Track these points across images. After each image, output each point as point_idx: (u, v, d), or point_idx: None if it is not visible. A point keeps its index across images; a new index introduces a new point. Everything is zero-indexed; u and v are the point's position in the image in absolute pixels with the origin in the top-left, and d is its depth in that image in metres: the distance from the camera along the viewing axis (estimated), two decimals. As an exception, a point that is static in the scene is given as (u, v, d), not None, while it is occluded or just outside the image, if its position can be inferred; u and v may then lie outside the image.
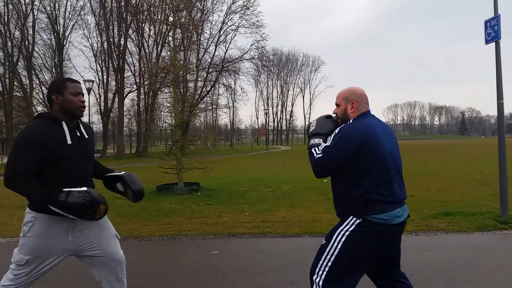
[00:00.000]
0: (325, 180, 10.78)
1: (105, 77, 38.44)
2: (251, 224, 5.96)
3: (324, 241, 2.16)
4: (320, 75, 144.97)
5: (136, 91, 39.67)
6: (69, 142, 2.20)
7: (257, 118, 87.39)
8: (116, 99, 38.16)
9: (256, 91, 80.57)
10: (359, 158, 2.08)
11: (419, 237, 5.15)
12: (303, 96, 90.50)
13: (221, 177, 13.14)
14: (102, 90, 39.47)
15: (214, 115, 61.59)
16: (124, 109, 39.18)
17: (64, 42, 36.93)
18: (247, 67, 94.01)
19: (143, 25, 36.95)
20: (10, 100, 33.97)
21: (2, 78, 34.61)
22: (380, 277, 2.35)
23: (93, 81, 26.14)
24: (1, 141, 39.02)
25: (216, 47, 38.94)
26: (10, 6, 33.29)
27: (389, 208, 2.09)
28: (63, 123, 2.22)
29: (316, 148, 2.19)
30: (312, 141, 2.27)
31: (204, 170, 10.37)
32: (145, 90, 37.23)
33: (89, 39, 42.05)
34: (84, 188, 2.13)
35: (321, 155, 2.13)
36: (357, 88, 2.38)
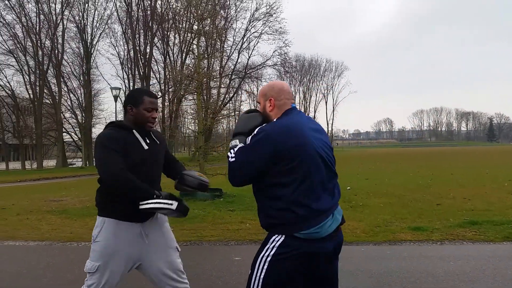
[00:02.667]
0: (348, 188, 10.73)
1: (131, 84, 39.29)
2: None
3: (250, 270, 1.91)
4: (344, 80, 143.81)
5: (161, 98, 40.36)
6: (146, 147, 2.29)
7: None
8: (142, 106, 38.85)
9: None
10: (280, 163, 1.81)
11: (444, 246, 5.06)
12: (326, 102, 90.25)
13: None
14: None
15: (236, 121, 61.94)
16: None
17: (92, 51, 38.02)
18: (269, 73, 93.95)
19: (168, 33, 37.67)
20: (40, 106, 35.15)
21: (33, 85, 35.87)
22: None
23: (120, 89, 26.74)
24: (31, 146, 40.29)
25: (239, 54, 39.33)
26: (42, 17, 34.55)
27: (316, 221, 1.80)
28: (134, 131, 2.30)
29: (232, 151, 1.95)
30: (231, 143, 2.02)
31: (227, 176, 10.42)
32: (170, 97, 37.82)
33: (116, 47, 43.33)
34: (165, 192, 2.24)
35: (234, 159, 1.90)
36: (276, 82, 2.12)
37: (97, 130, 40.80)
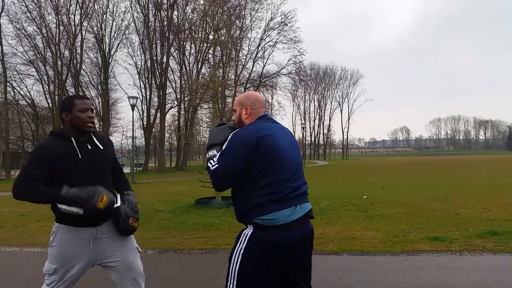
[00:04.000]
0: (365, 197, 10.63)
1: (148, 93, 39.86)
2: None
3: (228, 264, 2.08)
4: (359, 88, 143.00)
5: (176, 106, 40.81)
6: (80, 156, 2.29)
7: (294, 133, 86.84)
8: (158, 114, 39.39)
9: (293, 105, 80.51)
10: (253, 158, 2.02)
11: (464, 257, 4.95)
12: (341, 110, 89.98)
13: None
14: (145, 106, 40.87)
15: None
16: (165, 124, 40.30)
17: (110, 60, 38.76)
18: (284, 81, 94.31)
19: (184, 43, 38.14)
20: (58, 115, 35.82)
21: (52, 95, 36.65)
22: None
23: (137, 98, 27.12)
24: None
25: (254, 63, 39.47)
26: (61, 28, 35.39)
27: (274, 208, 1.99)
28: (72, 139, 2.32)
29: (211, 161, 2.11)
30: (207, 155, 2.18)
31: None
32: (185, 106, 38.18)
33: (133, 57, 44.08)
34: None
35: (217, 165, 2.05)
36: (252, 93, 2.34)
37: (115, 138, 41.41)
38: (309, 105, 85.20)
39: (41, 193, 2.18)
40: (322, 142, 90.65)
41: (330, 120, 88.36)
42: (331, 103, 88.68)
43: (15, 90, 35.73)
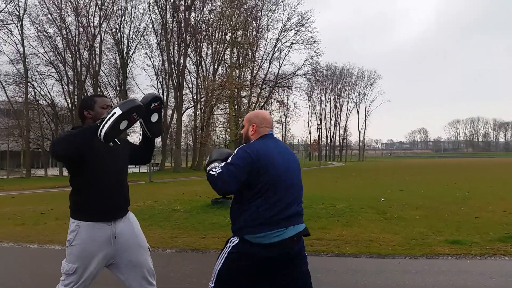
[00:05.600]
0: (382, 199, 10.50)
1: (165, 94, 40.21)
2: (305, 241, 5.90)
3: (216, 260, 2.32)
4: (376, 89, 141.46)
5: (193, 107, 41.08)
6: (98, 147, 2.35)
7: (310, 134, 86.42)
8: (175, 115, 39.71)
9: (309, 106, 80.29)
10: (253, 175, 2.16)
11: (485, 261, 4.85)
12: (358, 111, 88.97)
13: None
14: (162, 106, 41.26)
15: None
16: (182, 125, 40.61)
17: (128, 62, 39.29)
18: (300, 82, 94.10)
19: (201, 44, 38.39)
20: (77, 114, 36.44)
21: (71, 95, 37.33)
22: None
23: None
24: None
25: (270, 63, 39.55)
26: (81, 29, 36.02)
27: (268, 228, 2.14)
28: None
29: (214, 168, 2.22)
30: (209, 167, 2.28)
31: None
32: (201, 106, 38.42)
33: (151, 58, 44.62)
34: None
35: (220, 170, 2.16)
36: (261, 111, 2.50)
37: (132, 138, 41.87)
38: (325, 106, 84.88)
39: (78, 134, 2.16)
40: (338, 143, 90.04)
41: (346, 121, 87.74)
42: (348, 104, 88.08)
43: (35, 90, 36.60)
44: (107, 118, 2.15)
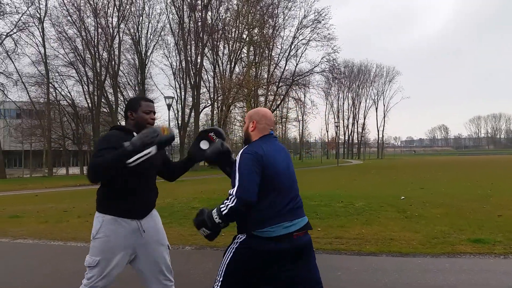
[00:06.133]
0: (403, 197, 10.37)
1: (182, 93, 40.54)
2: (324, 239, 5.90)
3: (222, 257, 2.34)
4: (395, 86, 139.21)
5: (210, 106, 41.28)
6: None
7: (327, 131, 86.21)
8: (192, 114, 40.00)
9: (326, 103, 79.66)
10: (261, 173, 2.20)
11: (508, 260, 4.74)
12: (377, 108, 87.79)
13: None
14: (180, 105, 41.61)
15: (283, 128, 61.81)
16: (199, 124, 40.89)
17: (146, 62, 39.70)
18: (317, 79, 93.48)
19: (218, 43, 38.50)
20: (97, 115, 37.07)
21: (91, 95, 37.96)
22: None
23: (173, 98, 27.65)
24: (89, 152, 42.54)
25: (286, 61, 39.36)
26: (100, 30, 36.57)
27: (275, 221, 2.18)
28: (134, 133, 2.46)
29: (222, 206, 2.18)
30: (214, 215, 2.19)
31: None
32: (218, 105, 38.57)
33: (169, 58, 45.08)
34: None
35: (237, 187, 2.14)
36: (262, 109, 2.51)
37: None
38: (343, 103, 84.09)
39: (109, 157, 2.23)
40: (356, 141, 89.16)
41: (364, 119, 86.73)
42: (366, 101, 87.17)
43: (56, 90, 37.34)
44: (142, 155, 2.24)
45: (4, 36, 33.41)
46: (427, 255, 5.00)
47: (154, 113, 2.58)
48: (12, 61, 34.59)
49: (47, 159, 37.25)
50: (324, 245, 5.56)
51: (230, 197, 2.18)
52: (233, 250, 2.25)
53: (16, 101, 37.02)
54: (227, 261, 2.26)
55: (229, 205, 2.15)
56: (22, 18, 33.61)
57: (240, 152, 2.31)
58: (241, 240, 2.24)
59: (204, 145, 2.66)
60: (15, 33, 33.76)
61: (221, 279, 2.25)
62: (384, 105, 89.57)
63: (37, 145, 39.72)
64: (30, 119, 38.80)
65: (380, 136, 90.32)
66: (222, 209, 2.17)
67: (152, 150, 2.25)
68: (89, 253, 2.44)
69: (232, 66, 38.83)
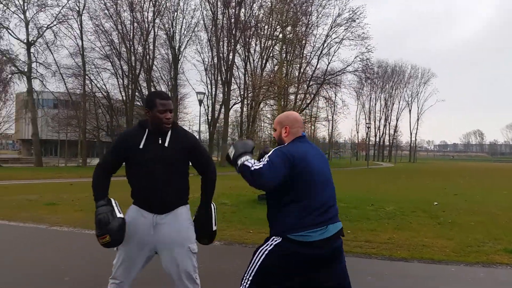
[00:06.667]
0: (436, 203, 10.11)
1: (213, 89, 40.88)
2: (354, 243, 5.82)
3: (251, 257, 2.33)
4: (430, 88, 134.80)
5: (240, 103, 41.47)
6: (141, 146, 2.47)
7: (357, 132, 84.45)
8: (222, 110, 40.30)
9: (358, 104, 78.32)
10: (291, 179, 2.19)
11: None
12: (410, 110, 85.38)
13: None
14: (210, 101, 41.99)
15: (312, 127, 61.31)
16: (229, 120, 41.19)
17: (179, 57, 40.19)
18: (349, 79, 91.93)
19: (250, 40, 38.56)
20: (131, 108, 37.87)
21: (126, 88, 38.82)
22: None
23: (204, 93, 27.94)
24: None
25: (318, 60, 38.92)
26: (135, 24, 37.31)
27: (311, 227, 2.18)
28: (147, 130, 2.51)
29: (249, 161, 2.22)
30: (240, 160, 2.27)
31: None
32: (248, 102, 38.66)
33: (201, 54, 45.30)
34: (119, 216, 2.45)
35: (261, 165, 2.17)
36: (291, 113, 2.55)
37: (181, 131, 42.92)
38: (375, 104, 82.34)
39: (94, 185, 2.55)
40: (387, 143, 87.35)
41: (397, 121, 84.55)
42: (399, 103, 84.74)
43: (92, 82, 38.34)
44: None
45: (45, 28, 34.59)
46: (461, 263, 4.86)
47: (171, 111, 2.50)
48: (51, 53, 35.76)
49: (81, 149, 38.38)
50: (353, 248, 5.49)
51: (257, 165, 2.19)
52: (266, 252, 2.25)
53: (54, 91, 38.29)
54: (259, 261, 2.25)
55: (252, 167, 2.18)
56: (62, 10, 34.66)
57: (276, 148, 2.32)
58: (276, 242, 2.24)
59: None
60: (55, 25, 34.83)
61: (250, 278, 2.26)
62: (418, 108, 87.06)
63: (73, 135, 40.91)
64: (66, 110, 40.02)
65: (413, 139, 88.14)
66: (248, 164, 2.22)
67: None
68: None
69: (263, 63, 38.82)
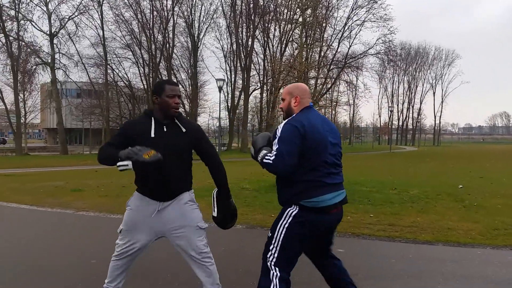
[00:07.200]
0: (460, 186, 9.91)
1: (233, 76, 40.83)
2: (377, 226, 5.78)
3: (270, 234, 2.45)
4: (455, 70, 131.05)
5: (259, 89, 41.32)
6: (152, 135, 2.51)
7: (380, 116, 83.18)
8: (242, 96, 40.27)
9: (380, 87, 76.87)
10: (303, 148, 2.29)
11: None
12: (434, 93, 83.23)
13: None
14: (230, 88, 41.99)
15: (333, 112, 60.65)
16: (248, 106, 41.15)
17: (199, 44, 40.22)
18: (371, 62, 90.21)
19: (269, 25, 38.19)
20: (151, 96, 38.32)
21: (147, 77, 39.20)
22: (318, 256, 2.64)
23: (223, 80, 27.92)
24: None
25: (339, 43, 38.24)
26: (155, 13, 37.45)
27: (322, 191, 2.31)
28: (153, 118, 2.55)
29: (267, 156, 2.36)
30: (260, 155, 2.41)
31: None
32: (267, 87, 38.47)
33: (220, 41, 45.22)
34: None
35: (276, 152, 2.30)
36: (300, 84, 2.61)
37: (202, 118, 43.32)
38: (398, 87, 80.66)
39: (107, 153, 2.50)
40: (410, 127, 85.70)
41: (421, 104, 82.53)
42: (423, 85, 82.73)
43: (114, 72, 38.89)
44: (121, 164, 2.37)
45: (66, 19, 35.11)
46: (487, 246, 4.77)
47: (179, 96, 2.59)
48: (74, 43, 36.38)
49: (105, 137, 39.12)
50: (377, 231, 5.45)
51: (272, 154, 2.32)
52: (287, 226, 2.35)
53: (77, 81, 39.04)
54: (282, 236, 2.36)
55: (270, 159, 2.32)
56: (83, 1, 35.05)
57: (283, 123, 2.38)
58: (294, 213, 2.34)
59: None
60: (76, 16, 35.34)
61: (276, 255, 2.37)
62: (442, 90, 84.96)
63: (96, 123, 41.76)
64: (89, 99, 40.82)
65: (437, 122, 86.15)
66: (265, 160, 2.36)
67: (129, 164, 2.35)
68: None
69: (283, 48, 38.45)
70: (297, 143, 2.28)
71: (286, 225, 2.35)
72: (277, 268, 2.36)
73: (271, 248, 2.40)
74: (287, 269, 2.40)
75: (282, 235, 2.36)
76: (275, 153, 2.31)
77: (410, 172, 15.84)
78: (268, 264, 2.40)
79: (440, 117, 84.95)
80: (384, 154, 38.52)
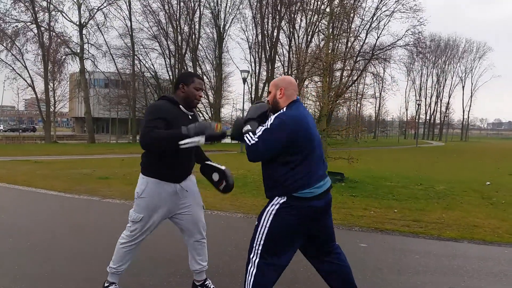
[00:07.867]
0: (488, 183, 9.66)
1: (257, 67, 40.72)
2: (401, 221, 5.71)
3: (256, 222, 2.41)
4: (486, 63, 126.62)
5: (284, 80, 41.04)
6: (183, 121, 2.62)
7: (407, 110, 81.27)
8: (266, 88, 40.16)
9: (408, 80, 75.15)
10: (293, 144, 2.29)
11: None
12: (463, 87, 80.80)
13: (365, 169, 12.78)
14: (254, 80, 41.93)
15: (358, 105, 59.71)
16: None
17: (224, 36, 40.23)
18: (399, 54, 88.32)
19: (295, 16, 37.80)
20: (174, 84, 38.67)
21: (173, 68, 39.56)
22: (314, 253, 2.57)
23: (248, 72, 27.90)
24: (169, 123, 44.69)
25: (367, 34, 37.49)
26: (182, 4, 37.65)
27: (313, 183, 2.33)
28: (180, 106, 2.69)
29: (250, 134, 2.35)
30: (245, 128, 2.40)
31: (349, 161, 10.24)
32: (293, 79, 38.18)
33: (245, 32, 45.22)
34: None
35: (256, 141, 2.29)
36: (287, 77, 2.59)
37: (226, 110, 43.48)
38: (426, 80, 78.67)
39: (164, 136, 2.50)
40: (438, 121, 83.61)
41: (449, 98, 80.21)
42: (452, 79, 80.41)
43: (141, 63, 39.40)
44: (191, 141, 2.46)
45: (95, 10, 35.73)
46: (516, 246, 4.65)
47: (203, 90, 2.80)
48: (102, 34, 37.14)
49: (131, 127, 39.82)
50: (401, 227, 5.39)
51: (253, 138, 2.32)
52: (274, 212, 2.33)
53: (105, 71, 39.78)
54: (268, 223, 2.33)
55: (250, 142, 2.32)
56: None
57: (275, 115, 2.38)
58: (281, 201, 2.33)
59: (215, 177, 2.92)
60: (105, 7, 35.87)
61: (262, 242, 2.34)
62: (472, 84, 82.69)
63: (123, 113, 42.48)
64: (117, 89, 41.55)
65: (465, 117, 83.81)
66: (247, 136, 2.36)
67: (201, 140, 2.46)
68: (134, 209, 2.77)
69: (309, 39, 38.04)
70: (282, 141, 2.28)
71: (274, 212, 2.33)
72: (260, 255, 2.34)
73: (255, 240, 2.38)
74: (273, 258, 2.34)
75: (269, 222, 2.33)
76: (256, 140, 2.30)
77: (437, 167, 15.52)
78: (252, 261, 2.38)
79: (468, 111, 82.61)
80: (410, 148, 37.80)
